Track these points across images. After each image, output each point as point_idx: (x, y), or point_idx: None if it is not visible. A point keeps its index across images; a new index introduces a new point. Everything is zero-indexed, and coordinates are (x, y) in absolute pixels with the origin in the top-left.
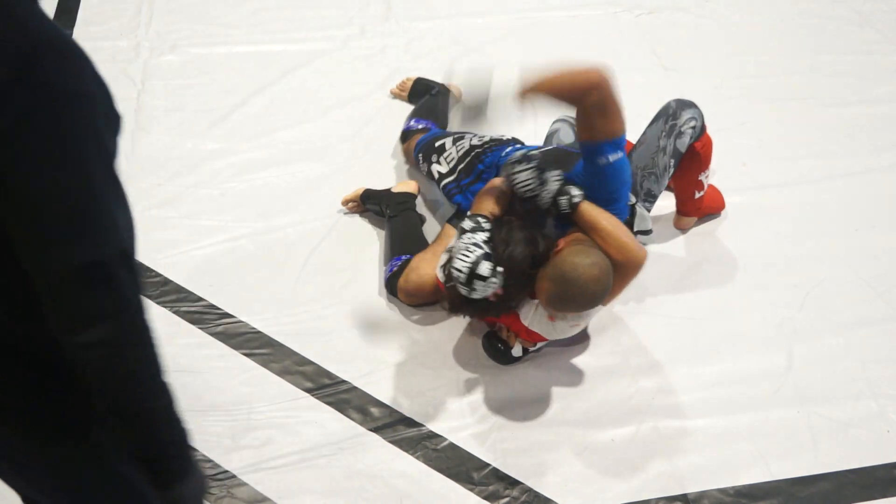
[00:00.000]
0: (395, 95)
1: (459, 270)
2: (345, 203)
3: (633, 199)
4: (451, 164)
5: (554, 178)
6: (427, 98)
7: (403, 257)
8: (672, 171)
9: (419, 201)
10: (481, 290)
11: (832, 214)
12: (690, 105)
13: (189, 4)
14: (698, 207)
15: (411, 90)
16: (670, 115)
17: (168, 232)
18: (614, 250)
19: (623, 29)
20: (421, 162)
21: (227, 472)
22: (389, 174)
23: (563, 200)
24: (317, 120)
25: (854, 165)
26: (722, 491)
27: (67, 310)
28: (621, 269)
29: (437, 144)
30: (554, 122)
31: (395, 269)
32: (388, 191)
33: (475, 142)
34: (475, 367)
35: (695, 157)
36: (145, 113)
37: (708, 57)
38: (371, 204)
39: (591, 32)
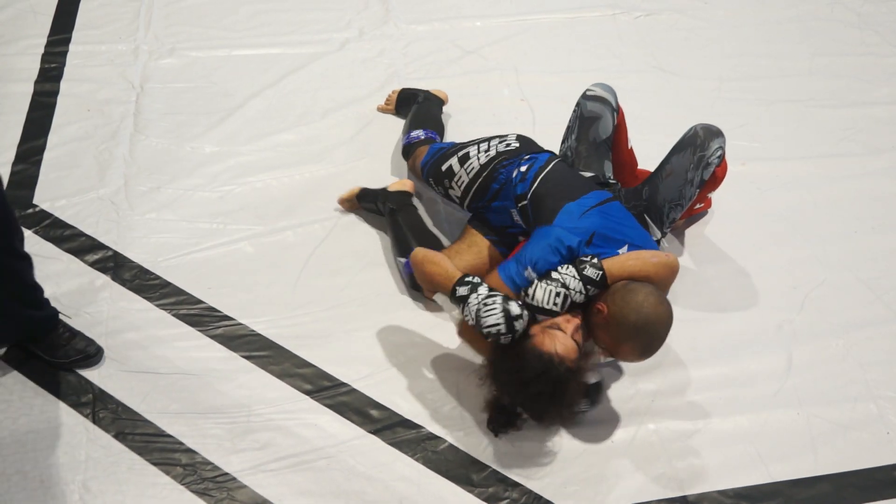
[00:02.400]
0: (383, 111)
1: (496, 324)
2: (341, 202)
3: (658, 235)
4: (464, 187)
5: (566, 273)
6: (416, 107)
7: None
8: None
9: (416, 201)
10: (521, 326)
11: (831, 216)
12: (717, 134)
13: (187, 7)
14: (691, 212)
15: (398, 101)
16: (698, 145)
17: (167, 235)
18: (655, 279)
19: (621, 31)
20: (434, 186)
21: (227, 474)
22: (388, 176)
23: (590, 273)
24: (315, 123)
25: (853, 167)
26: (721, 493)
27: None
28: (663, 283)
29: (444, 168)
30: (590, 102)
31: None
32: (384, 189)
33: (483, 160)
34: (474, 369)
35: (711, 179)
36: (144, 116)
37: (706, 59)
38: (367, 202)
39: (590, 35)
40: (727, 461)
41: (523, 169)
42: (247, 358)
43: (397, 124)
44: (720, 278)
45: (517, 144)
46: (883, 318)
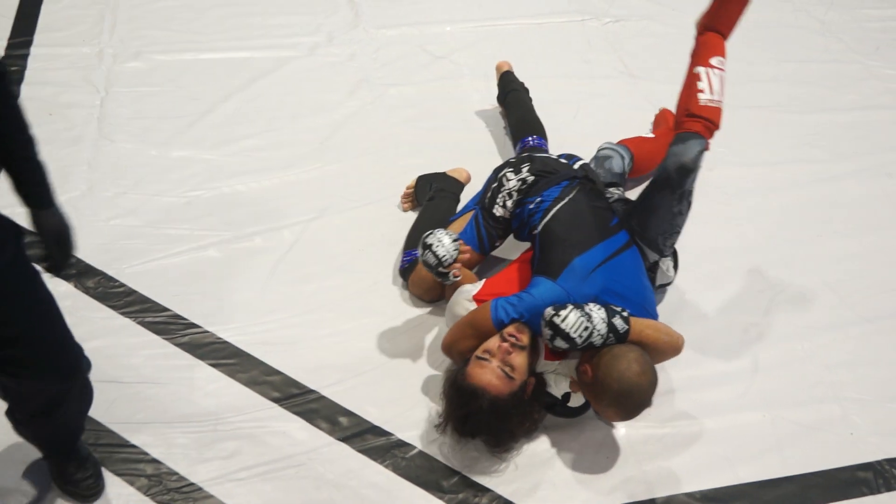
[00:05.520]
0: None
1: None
2: (403, 200)
3: (655, 257)
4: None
5: (597, 313)
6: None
7: (415, 252)
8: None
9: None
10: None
11: (796, 221)
12: (689, 167)
13: (154, 10)
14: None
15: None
16: (675, 185)
17: (132, 241)
18: (658, 354)
19: (590, 37)
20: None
21: (193, 484)
22: (358, 183)
23: (618, 323)
24: (284, 128)
25: (817, 172)
26: (689, 495)
27: None
28: (662, 357)
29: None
30: (603, 148)
31: (407, 264)
32: (443, 173)
33: (510, 206)
34: (444, 376)
35: None
36: (109, 121)
37: (674, 65)
38: (422, 186)
39: (559, 40)
40: (695, 463)
41: (538, 200)
42: (214, 366)
43: (368, 130)
44: (687, 283)
45: (533, 178)
46: (847, 321)
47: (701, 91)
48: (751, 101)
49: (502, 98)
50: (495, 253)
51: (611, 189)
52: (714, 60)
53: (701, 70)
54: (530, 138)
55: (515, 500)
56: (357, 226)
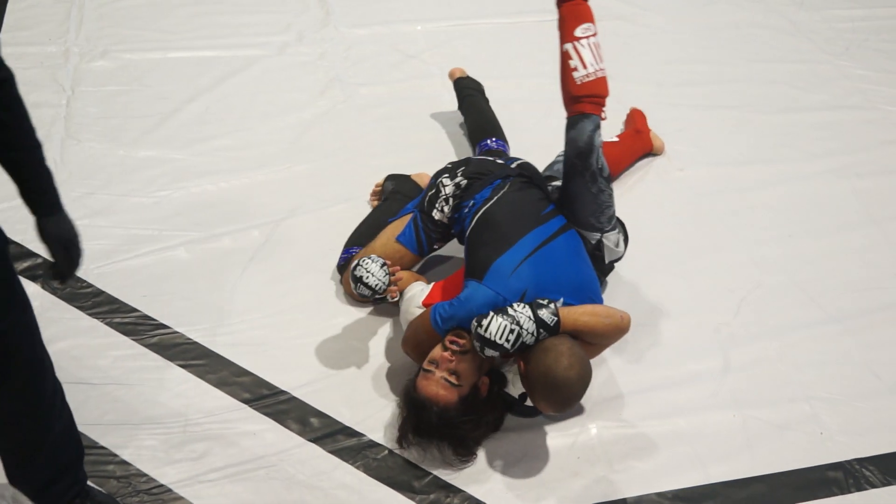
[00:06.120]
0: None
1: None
2: (373, 195)
3: (596, 237)
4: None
5: (521, 312)
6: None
7: (354, 249)
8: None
9: None
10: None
11: (767, 220)
12: (587, 148)
13: (121, 9)
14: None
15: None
16: (578, 167)
17: (100, 242)
18: (602, 338)
19: None
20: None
21: (162, 486)
22: (329, 183)
23: (545, 316)
24: (254, 127)
25: (788, 172)
26: (661, 495)
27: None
28: (608, 341)
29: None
30: (560, 155)
31: (342, 261)
32: (407, 176)
33: (448, 211)
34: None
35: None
36: (75, 120)
37: (646, 65)
38: (388, 184)
39: (530, 39)
40: (666, 463)
41: (471, 203)
42: (183, 367)
43: (339, 129)
44: (658, 282)
45: (466, 181)
46: (817, 320)
47: (574, 70)
48: (721, 101)
49: (460, 104)
50: (450, 254)
51: (553, 183)
52: (579, 30)
53: (568, 47)
54: (489, 140)
55: (488, 500)
56: (328, 226)
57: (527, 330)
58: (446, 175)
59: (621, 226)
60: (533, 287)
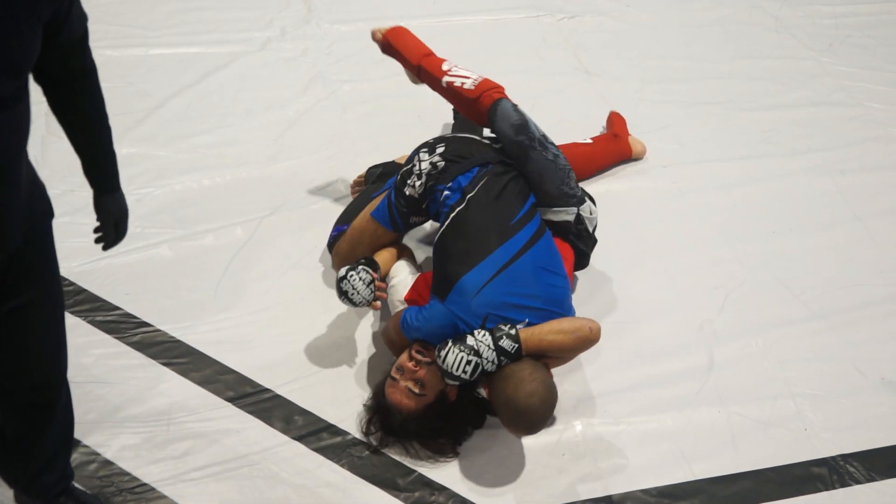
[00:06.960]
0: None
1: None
2: (354, 186)
3: (573, 211)
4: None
5: (481, 340)
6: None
7: (344, 227)
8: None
9: None
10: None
11: (750, 217)
12: (519, 124)
13: (102, 4)
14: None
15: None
16: (528, 142)
17: (82, 239)
18: (571, 353)
19: (545, 33)
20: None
21: (145, 484)
22: (312, 180)
23: (506, 344)
24: (237, 124)
25: (771, 168)
26: (645, 492)
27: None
28: (579, 352)
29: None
30: None
31: (333, 238)
32: (392, 161)
33: (419, 188)
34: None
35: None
36: None
37: (629, 61)
38: (370, 176)
39: (514, 37)
40: (651, 460)
41: (447, 193)
42: (166, 365)
43: (322, 126)
44: (642, 280)
45: (443, 163)
46: (801, 317)
47: (462, 86)
48: (704, 97)
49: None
50: None
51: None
52: (443, 67)
53: (445, 80)
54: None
55: (472, 498)
56: (311, 223)
57: (487, 359)
58: (425, 150)
59: (583, 190)
60: (497, 310)
